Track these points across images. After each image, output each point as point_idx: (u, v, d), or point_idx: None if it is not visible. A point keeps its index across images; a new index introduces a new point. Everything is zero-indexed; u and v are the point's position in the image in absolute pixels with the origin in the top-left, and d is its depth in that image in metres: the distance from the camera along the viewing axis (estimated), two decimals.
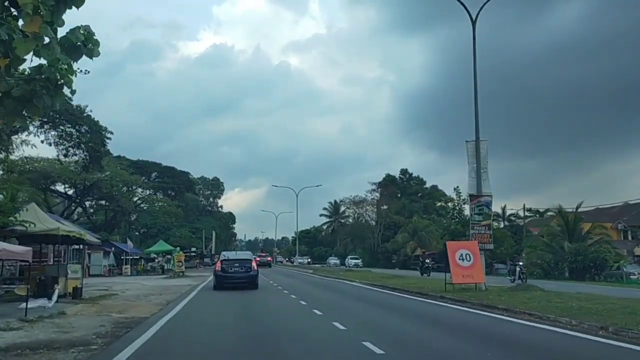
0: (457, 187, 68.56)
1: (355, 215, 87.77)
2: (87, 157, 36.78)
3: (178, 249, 38.60)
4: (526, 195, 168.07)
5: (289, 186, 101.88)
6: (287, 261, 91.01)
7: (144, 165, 60.62)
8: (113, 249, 41.10)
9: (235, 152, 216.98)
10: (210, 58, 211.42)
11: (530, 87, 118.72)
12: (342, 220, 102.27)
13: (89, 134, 34.98)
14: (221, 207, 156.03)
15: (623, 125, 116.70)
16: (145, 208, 55.82)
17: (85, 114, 36.94)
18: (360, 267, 58.56)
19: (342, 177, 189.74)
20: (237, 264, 22.59)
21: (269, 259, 65.17)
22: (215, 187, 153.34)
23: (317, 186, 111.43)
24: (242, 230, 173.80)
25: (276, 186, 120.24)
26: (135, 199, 56.43)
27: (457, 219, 63.14)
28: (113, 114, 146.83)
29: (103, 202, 54.41)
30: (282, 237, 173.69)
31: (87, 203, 58.02)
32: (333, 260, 71.51)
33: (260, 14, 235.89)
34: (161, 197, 57.06)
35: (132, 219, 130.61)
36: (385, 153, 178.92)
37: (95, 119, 37.56)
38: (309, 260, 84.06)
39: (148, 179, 61.76)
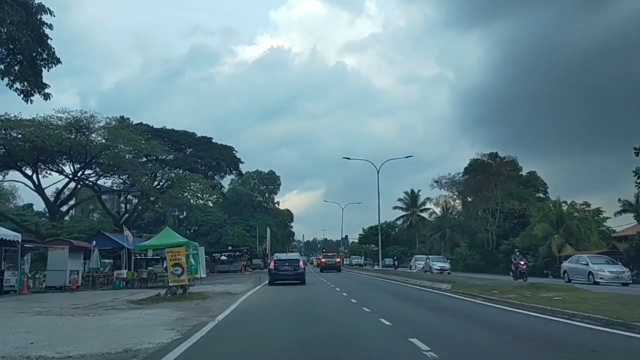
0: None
1: (444, 205, 71.53)
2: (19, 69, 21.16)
3: (188, 242, 23.45)
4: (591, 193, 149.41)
5: (340, 196, 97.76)
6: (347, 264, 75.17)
7: (170, 134, 46.33)
8: (94, 243, 26.35)
9: (291, 154, 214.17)
10: (267, 61, 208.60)
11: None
12: (421, 214, 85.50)
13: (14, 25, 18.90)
14: (277, 203, 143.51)
15: None
16: (171, 193, 41.22)
17: None
18: (448, 271, 43.34)
19: (399, 178, 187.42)
20: (287, 264, 25.61)
21: (337, 260, 49.23)
22: (271, 181, 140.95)
23: (359, 203, 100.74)
24: (300, 232, 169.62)
25: (326, 201, 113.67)
26: (157, 181, 42.08)
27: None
28: (171, 118, 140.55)
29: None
30: (342, 237, 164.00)
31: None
32: (421, 262, 54.71)
33: (316, 16, 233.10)
34: (198, 176, 42.36)
35: (182, 215, 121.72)
36: (442, 152, 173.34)
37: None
38: (396, 262, 67.49)
39: (179, 153, 47.51)
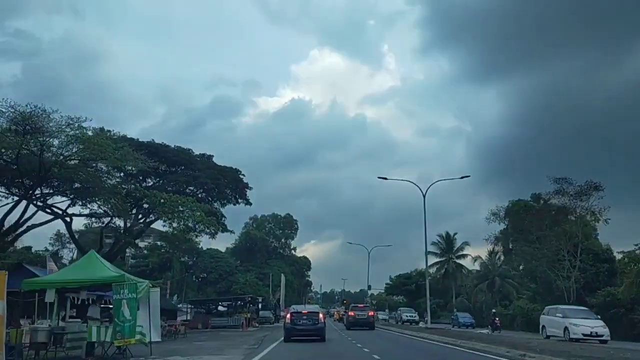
0: None
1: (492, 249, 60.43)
2: None
3: (122, 276, 13.29)
4: None
5: (362, 243, 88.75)
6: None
7: (160, 150, 36.34)
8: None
9: (311, 203, 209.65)
10: (288, 113, 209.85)
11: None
12: (458, 260, 73.95)
13: None
14: (294, 249, 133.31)
15: None
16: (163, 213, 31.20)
17: None
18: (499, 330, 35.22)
19: (418, 230, 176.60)
20: (305, 317, 23.16)
21: (370, 313, 37.39)
22: (288, 225, 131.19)
23: (388, 246, 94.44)
24: (317, 283, 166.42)
25: (350, 243, 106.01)
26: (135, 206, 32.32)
27: None
28: None
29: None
30: (360, 290, 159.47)
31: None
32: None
33: (337, 70, 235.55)
34: (192, 199, 32.42)
35: (190, 261, 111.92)
36: (461, 205, 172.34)
37: None
38: (416, 316, 57.44)
39: (166, 172, 37.73)
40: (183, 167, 38.72)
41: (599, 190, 35.76)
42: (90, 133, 27.66)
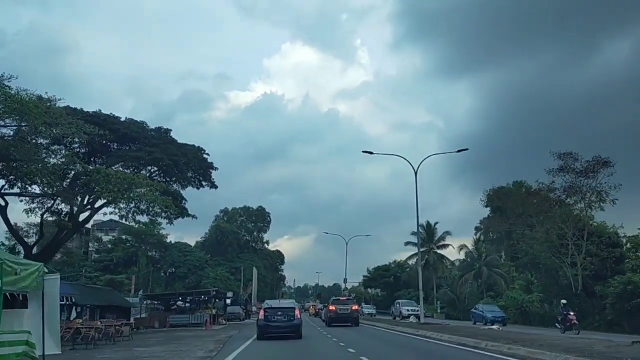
0: None
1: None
2: None
3: None
4: None
5: (339, 234, 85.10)
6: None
7: (108, 122, 30.87)
8: None
9: (284, 199, 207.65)
10: (260, 107, 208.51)
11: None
12: (440, 251, 70.17)
13: None
14: (267, 243, 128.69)
15: None
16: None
17: None
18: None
19: (391, 224, 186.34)
20: (280, 313, 21.34)
21: (353, 307, 31.87)
22: (260, 218, 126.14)
23: (367, 236, 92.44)
24: (290, 277, 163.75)
25: (327, 233, 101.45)
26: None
27: None
28: None
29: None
30: (334, 284, 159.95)
31: None
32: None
33: (309, 64, 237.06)
34: (140, 176, 27.28)
35: (157, 255, 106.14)
36: (434, 198, 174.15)
37: None
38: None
39: (119, 148, 32.37)
40: (136, 143, 33.35)
41: (608, 167, 31.91)
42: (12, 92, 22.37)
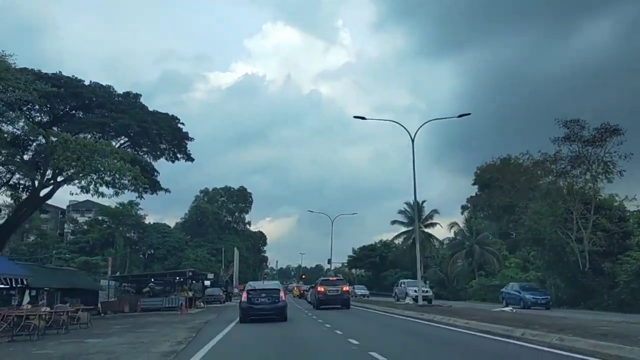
0: None
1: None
2: None
3: None
4: None
5: (323, 212, 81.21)
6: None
7: (70, 84, 27.37)
8: None
9: (266, 181, 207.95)
10: (241, 88, 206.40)
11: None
12: (427, 230, 67.97)
13: None
14: (249, 223, 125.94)
15: None
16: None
17: None
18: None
19: (373, 206, 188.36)
20: (264, 295, 20.42)
21: (344, 288, 28.68)
22: (242, 198, 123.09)
23: (353, 214, 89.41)
24: (273, 259, 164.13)
25: (311, 211, 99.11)
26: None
27: None
28: None
29: None
30: (316, 265, 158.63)
31: None
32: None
33: (291, 44, 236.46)
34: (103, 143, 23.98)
35: (135, 237, 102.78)
36: (417, 179, 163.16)
37: None
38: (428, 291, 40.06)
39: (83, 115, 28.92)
40: (103, 111, 29.87)
41: (617, 135, 29.48)
42: None
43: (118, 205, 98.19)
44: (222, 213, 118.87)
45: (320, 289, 28.04)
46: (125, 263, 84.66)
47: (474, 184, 74.74)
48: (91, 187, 24.00)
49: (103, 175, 24.86)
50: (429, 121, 30.61)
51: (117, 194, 25.86)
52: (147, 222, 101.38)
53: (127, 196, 34.18)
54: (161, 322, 20.47)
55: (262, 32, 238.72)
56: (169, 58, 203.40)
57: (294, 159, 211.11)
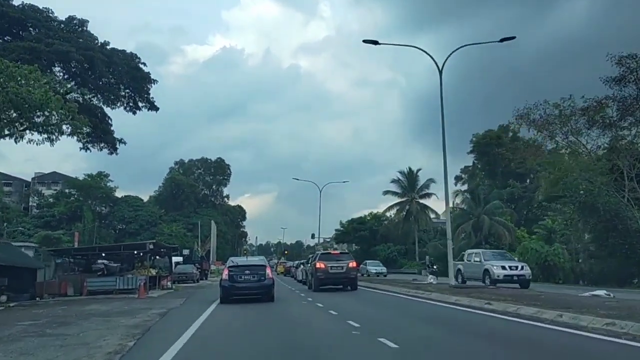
0: None
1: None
2: None
3: None
4: None
5: (311, 180, 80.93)
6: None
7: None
8: None
9: (244, 157, 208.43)
10: (219, 62, 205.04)
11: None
12: (422, 201, 62.59)
13: None
14: (227, 197, 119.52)
15: None
16: None
17: None
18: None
19: (356, 182, 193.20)
20: (248, 272, 18.74)
21: (351, 264, 22.22)
22: (220, 171, 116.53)
23: (344, 182, 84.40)
24: (252, 235, 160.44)
25: (297, 179, 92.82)
26: None
27: None
28: (115, 117, 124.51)
29: None
30: (296, 241, 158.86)
31: None
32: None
33: (270, 17, 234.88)
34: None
35: (104, 211, 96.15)
36: (395, 156, 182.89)
37: None
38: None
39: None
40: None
41: None
42: None
43: (86, 177, 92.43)
44: (199, 186, 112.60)
45: (320, 265, 21.71)
46: (93, 238, 78.25)
47: (470, 152, 69.75)
48: (5, 129, 17.34)
49: (29, 114, 18.13)
50: (464, 46, 24.59)
51: (50, 140, 19.11)
52: (118, 195, 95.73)
53: (96, 163, 27.47)
54: (102, 313, 14.26)
55: (241, 4, 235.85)
56: (144, 30, 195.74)
57: (274, 135, 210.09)
